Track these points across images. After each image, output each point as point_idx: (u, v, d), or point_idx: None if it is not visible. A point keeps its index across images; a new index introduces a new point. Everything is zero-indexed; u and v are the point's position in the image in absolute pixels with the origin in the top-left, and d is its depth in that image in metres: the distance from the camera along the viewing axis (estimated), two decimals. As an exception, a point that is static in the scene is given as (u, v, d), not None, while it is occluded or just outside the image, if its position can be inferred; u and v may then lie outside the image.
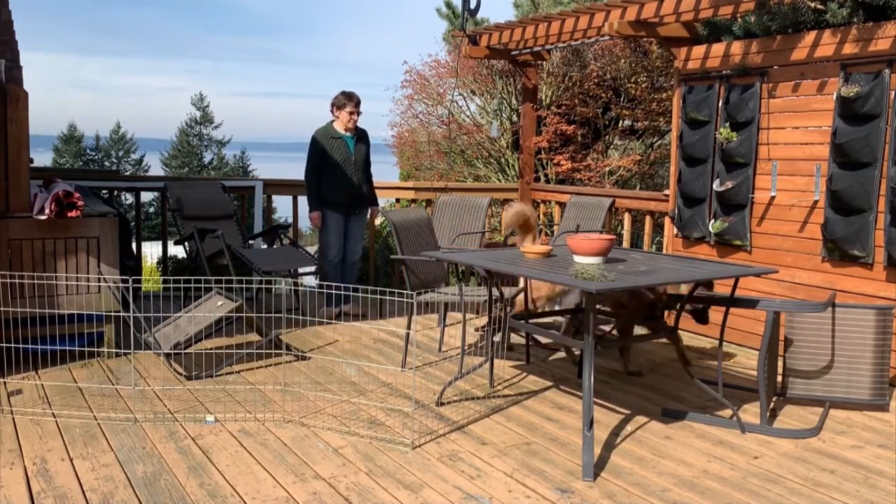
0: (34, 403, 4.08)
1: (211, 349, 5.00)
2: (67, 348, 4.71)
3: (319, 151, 6.02)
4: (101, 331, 4.90)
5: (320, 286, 6.81)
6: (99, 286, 4.82)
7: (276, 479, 3.24)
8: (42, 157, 40.36)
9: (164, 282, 6.48)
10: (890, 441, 3.79)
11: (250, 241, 6.78)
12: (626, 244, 6.72)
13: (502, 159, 10.39)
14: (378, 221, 7.86)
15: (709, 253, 5.70)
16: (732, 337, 5.46)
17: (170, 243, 7.07)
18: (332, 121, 6.13)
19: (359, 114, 6.11)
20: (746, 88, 5.32)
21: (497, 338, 4.28)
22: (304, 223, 7.44)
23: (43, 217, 4.64)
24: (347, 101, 6.06)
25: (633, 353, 4.92)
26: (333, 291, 5.80)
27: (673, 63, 6.25)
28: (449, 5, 12.54)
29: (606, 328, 5.77)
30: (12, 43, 4.87)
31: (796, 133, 5.10)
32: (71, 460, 3.38)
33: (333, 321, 6.05)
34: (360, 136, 6.21)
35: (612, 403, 4.27)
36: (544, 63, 8.88)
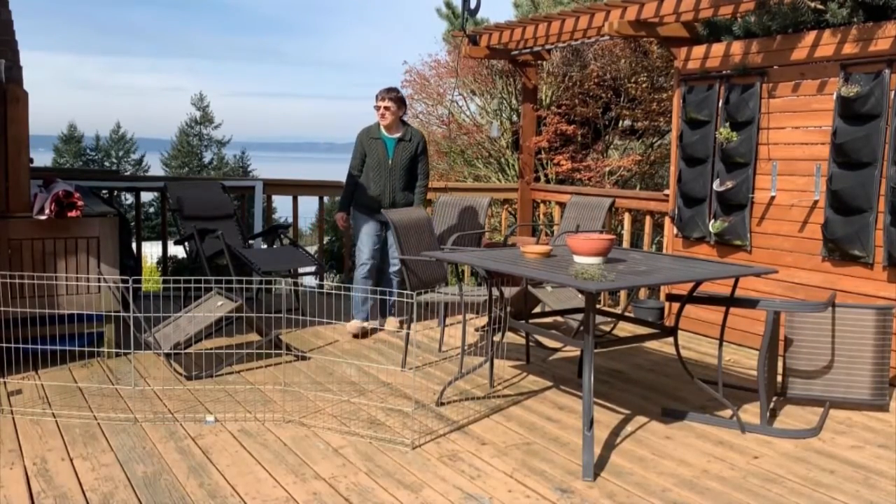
0: (34, 403, 4.08)
1: (211, 349, 5.00)
2: (67, 348, 4.71)
3: (359, 152, 5.71)
4: (101, 331, 4.90)
5: (320, 286, 6.81)
6: (99, 286, 4.82)
7: (276, 479, 3.24)
8: (42, 157, 40.35)
9: (164, 282, 6.48)
10: (890, 441, 3.80)
11: (250, 241, 6.78)
12: (626, 244, 6.72)
13: (502, 159, 10.39)
14: None
15: (709, 253, 5.70)
16: (732, 337, 5.46)
17: (170, 243, 7.07)
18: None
19: (387, 108, 5.57)
20: (746, 88, 5.32)
21: (497, 338, 4.28)
22: (304, 223, 7.43)
23: (43, 217, 4.64)
24: (378, 94, 5.61)
25: (632, 352, 4.92)
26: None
27: (673, 63, 6.25)
28: (449, 5, 12.53)
29: (606, 328, 5.78)
30: (12, 43, 4.86)
31: (796, 133, 5.10)
32: (71, 460, 3.38)
33: (357, 335, 5.61)
34: (406, 138, 5.68)
35: (612, 403, 4.27)
36: (544, 63, 8.88)
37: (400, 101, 5.65)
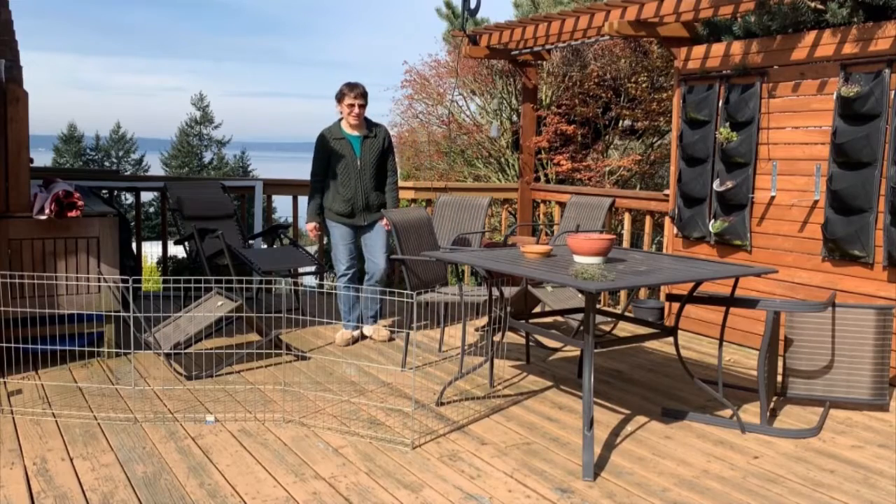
0: (34, 403, 4.08)
1: (211, 349, 5.00)
2: (67, 348, 4.71)
3: (323, 154, 5.34)
4: (101, 331, 4.90)
5: (320, 286, 6.81)
6: (99, 286, 4.82)
7: (276, 479, 3.24)
8: (42, 157, 40.38)
9: (164, 282, 6.48)
10: (890, 441, 3.80)
11: (250, 241, 6.78)
12: (626, 244, 6.72)
13: (502, 159, 10.39)
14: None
15: (709, 253, 5.70)
16: (732, 337, 5.46)
17: (170, 243, 7.07)
18: (340, 118, 5.37)
19: (362, 105, 5.26)
20: (746, 88, 5.32)
21: (497, 338, 4.28)
22: (304, 223, 7.43)
23: (43, 217, 4.64)
24: (348, 91, 5.23)
25: (632, 352, 4.92)
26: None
27: (673, 63, 6.25)
28: (449, 5, 12.53)
29: (606, 328, 5.78)
30: (12, 43, 4.86)
31: (796, 133, 5.10)
32: (71, 460, 3.38)
33: (348, 345, 5.43)
34: (372, 134, 5.36)
35: (612, 403, 4.27)
36: (544, 63, 8.88)
37: (367, 97, 5.34)
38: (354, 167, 5.30)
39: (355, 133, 5.34)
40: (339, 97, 5.31)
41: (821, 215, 4.93)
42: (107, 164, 47.80)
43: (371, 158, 5.34)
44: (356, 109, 5.25)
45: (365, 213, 5.38)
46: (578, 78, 9.21)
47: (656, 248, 7.12)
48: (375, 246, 5.43)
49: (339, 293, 5.50)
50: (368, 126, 5.39)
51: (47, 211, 4.62)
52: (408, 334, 4.98)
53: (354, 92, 5.24)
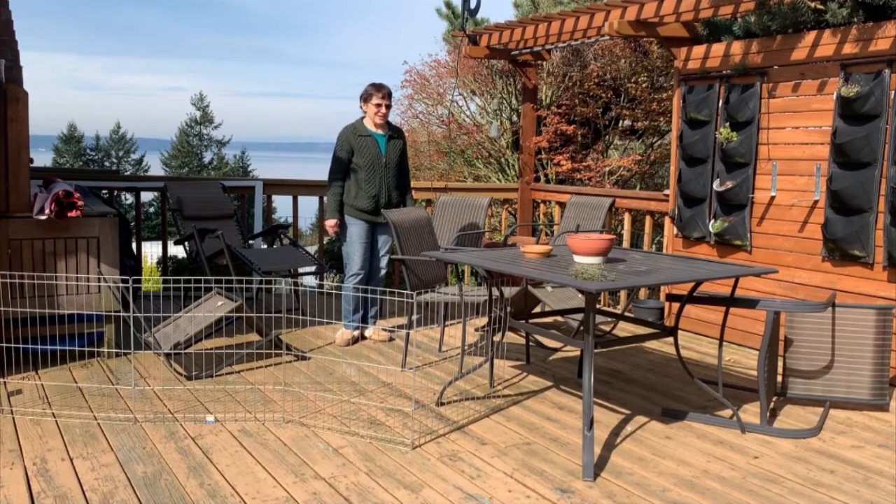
0: (34, 403, 4.08)
1: (211, 349, 5.00)
2: (67, 348, 4.71)
3: (345, 151, 5.38)
4: (101, 331, 4.90)
5: (320, 286, 6.81)
6: (99, 286, 4.82)
7: (276, 479, 3.24)
8: (42, 157, 40.37)
9: (164, 282, 6.48)
10: (890, 441, 3.80)
11: (250, 241, 6.78)
12: (626, 244, 6.72)
13: (502, 159, 10.39)
14: None
15: (709, 253, 5.70)
16: (732, 337, 5.46)
17: (170, 243, 7.07)
18: (362, 117, 5.46)
19: (388, 106, 5.39)
20: (746, 88, 5.32)
21: (497, 338, 4.28)
22: (304, 223, 7.41)
23: (43, 217, 4.64)
24: (375, 91, 5.35)
25: (632, 352, 4.92)
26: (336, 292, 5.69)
27: (673, 63, 6.25)
28: (449, 5, 12.54)
29: (606, 328, 5.78)
30: (12, 43, 4.87)
31: (796, 133, 5.10)
32: (71, 460, 3.38)
33: (348, 345, 5.45)
34: (394, 134, 5.51)
35: (612, 403, 4.27)
36: (544, 63, 8.88)
37: (392, 98, 5.50)
38: (380, 164, 5.39)
39: (380, 132, 5.45)
40: (366, 97, 5.41)
41: (821, 215, 4.93)
42: (107, 164, 47.79)
43: (395, 157, 5.47)
44: (382, 109, 5.37)
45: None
46: (578, 78, 9.21)
47: (656, 248, 7.12)
48: (384, 247, 5.54)
49: (344, 293, 5.53)
50: (391, 127, 5.55)
51: (47, 211, 4.63)
52: (408, 334, 4.98)
53: (381, 92, 5.37)
